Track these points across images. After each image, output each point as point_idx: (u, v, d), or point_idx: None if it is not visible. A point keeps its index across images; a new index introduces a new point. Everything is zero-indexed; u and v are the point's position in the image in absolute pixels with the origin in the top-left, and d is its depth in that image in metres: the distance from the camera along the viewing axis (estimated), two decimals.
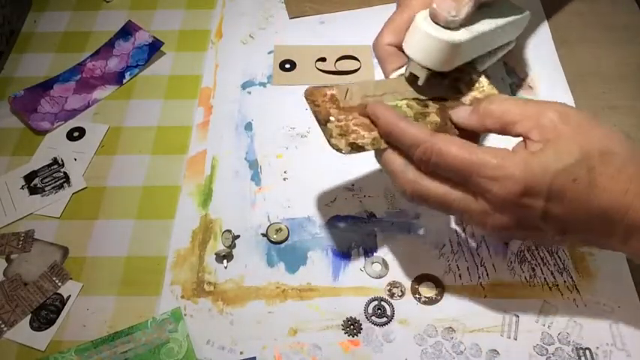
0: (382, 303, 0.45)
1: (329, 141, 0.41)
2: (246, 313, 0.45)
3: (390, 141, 0.39)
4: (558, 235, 0.37)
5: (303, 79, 0.60)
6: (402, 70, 0.45)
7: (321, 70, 0.60)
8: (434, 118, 0.43)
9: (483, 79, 0.46)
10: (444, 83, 0.45)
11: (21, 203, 0.51)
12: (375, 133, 0.41)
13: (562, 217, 0.36)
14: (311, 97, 0.43)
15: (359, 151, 0.40)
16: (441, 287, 0.46)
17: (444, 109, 0.43)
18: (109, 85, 0.60)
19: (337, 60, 0.61)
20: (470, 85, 0.46)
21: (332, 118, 0.42)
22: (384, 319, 0.44)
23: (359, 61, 0.61)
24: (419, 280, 0.46)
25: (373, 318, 0.44)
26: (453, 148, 0.36)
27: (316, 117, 0.42)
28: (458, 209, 0.38)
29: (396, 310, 0.45)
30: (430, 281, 0.46)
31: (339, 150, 0.40)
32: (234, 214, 0.50)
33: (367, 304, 0.45)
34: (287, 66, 0.61)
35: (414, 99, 0.44)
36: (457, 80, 0.46)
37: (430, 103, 0.44)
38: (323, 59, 0.61)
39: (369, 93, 0.44)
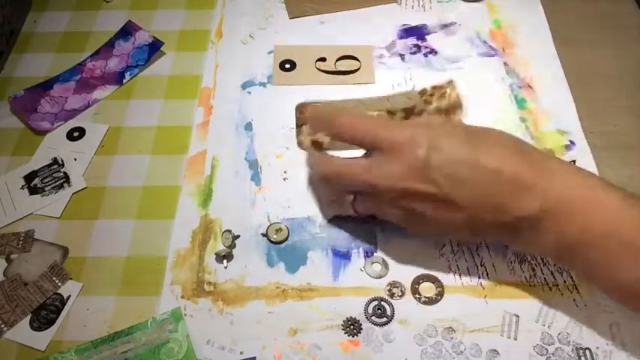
0: (382, 303, 0.45)
1: (297, 137, 0.50)
2: (246, 313, 0.45)
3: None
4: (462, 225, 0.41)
5: (303, 79, 0.60)
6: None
7: (321, 70, 0.60)
8: None
9: (453, 92, 0.52)
10: (419, 97, 0.52)
11: (21, 203, 0.51)
12: None
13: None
14: (300, 107, 0.52)
15: (317, 149, 0.48)
16: (440, 287, 0.46)
17: (407, 118, 0.50)
18: (109, 85, 0.60)
19: (337, 60, 0.61)
20: (440, 97, 0.52)
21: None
22: (384, 319, 0.44)
23: (359, 60, 0.61)
24: (419, 280, 0.46)
25: (373, 318, 0.44)
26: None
27: (296, 122, 0.51)
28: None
29: (396, 310, 0.45)
30: (430, 281, 0.46)
31: (300, 144, 0.49)
32: (234, 214, 0.50)
33: (367, 304, 0.45)
34: (287, 66, 0.61)
35: (387, 110, 0.51)
36: (432, 95, 0.52)
37: (398, 112, 0.51)
38: (323, 59, 0.61)
39: (348, 106, 0.52)
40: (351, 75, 0.60)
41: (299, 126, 0.52)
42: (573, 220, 0.38)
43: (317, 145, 0.50)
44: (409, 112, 0.52)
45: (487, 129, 0.42)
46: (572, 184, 0.39)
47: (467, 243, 0.47)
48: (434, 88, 0.54)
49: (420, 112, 0.52)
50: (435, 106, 0.52)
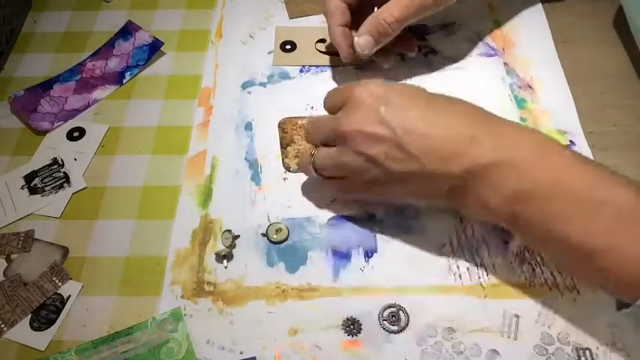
0: (399, 312, 0.44)
1: (283, 160, 0.53)
2: (246, 313, 0.45)
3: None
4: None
5: (304, 60, 0.61)
6: None
7: (320, 51, 0.61)
8: None
9: None
10: None
11: (21, 203, 0.51)
12: None
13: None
14: (283, 125, 0.55)
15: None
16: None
17: None
18: (109, 85, 0.60)
19: None
20: None
21: (293, 144, 0.53)
22: (396, 328, 0.44)
23: None
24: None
25: (385, 323, 0.44)
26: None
27: (280, 142, 0.54)
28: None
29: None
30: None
31: (287, 168, 0.52)
32: (234, 214, 0.50)
33: (384, 308, 0.45)
34: (287, 47, 0.62)
35: None
36: None
37: None
38: (323, 40, 0.62)
39: None
40: None
41: (284, 147, 0.53)
42: (524, 171, 0.39)
43: None
44: None
45: (453, 98, 0.44)
46: (524, 141, 0.40)
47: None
48: None
49: None
50: None
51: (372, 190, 0.46)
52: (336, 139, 0.45)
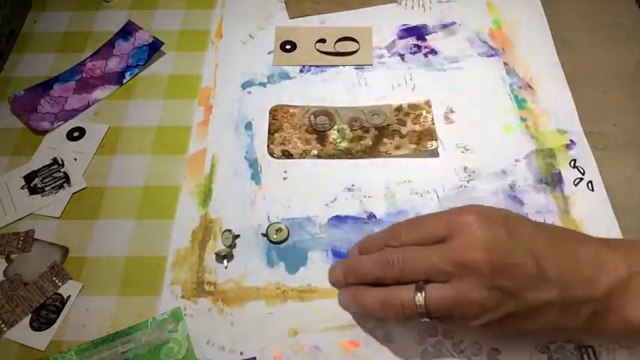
0: None
1: (268, 146, 0.53)
2: (246, 314, 0.45)
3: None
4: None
5: (304, 60, 0.61)
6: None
7: (320, 51, 0.61)
8: (367, 142, 0.53)
9: (429, 115, 0.55)
10: (394, 116, 0.55)
11: (21, 203, 0.51)
12: (308, 147, 0.53)
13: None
14: (274, 112, 0.56)
15: (287, 158, 0.53)
16: None
17: (381, 136, 0.54)
18: (109, 85, 0.60)
19: (337, 41, 0.62)
20: (416, 118, 0.55)
21: (281, 131, 0.54)
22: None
23: (358, 42, 0.61)
24: None
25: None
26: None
27: (269, 128, 0.55)
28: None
29: None
30: None
31: (271, 154, 0.53)
32: (234, 213, 0.50)
33: None
34: (287, 47, 0.62)
35: (360, 125, 0.54)
36: (407, 115, 0.55)
37: (372, 129, 0.54)
38: (323, 40, 0.62)
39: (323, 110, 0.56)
40: (349, 56, 0.61)
41: (271, 133, 0.54)
42: None
43: (287, 155, 0.52)
44: (382, 130, 0.54)
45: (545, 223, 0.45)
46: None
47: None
48: (410, 106, 0.55)
49: (393, 131, 0.54)
50: (409, 129, 0.54)
51: (493, 330, 0.39)
52: (446, 272, 0.38)
